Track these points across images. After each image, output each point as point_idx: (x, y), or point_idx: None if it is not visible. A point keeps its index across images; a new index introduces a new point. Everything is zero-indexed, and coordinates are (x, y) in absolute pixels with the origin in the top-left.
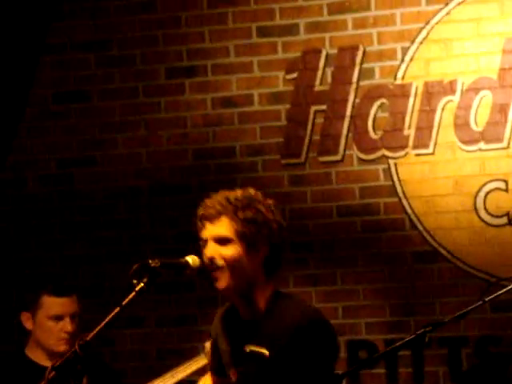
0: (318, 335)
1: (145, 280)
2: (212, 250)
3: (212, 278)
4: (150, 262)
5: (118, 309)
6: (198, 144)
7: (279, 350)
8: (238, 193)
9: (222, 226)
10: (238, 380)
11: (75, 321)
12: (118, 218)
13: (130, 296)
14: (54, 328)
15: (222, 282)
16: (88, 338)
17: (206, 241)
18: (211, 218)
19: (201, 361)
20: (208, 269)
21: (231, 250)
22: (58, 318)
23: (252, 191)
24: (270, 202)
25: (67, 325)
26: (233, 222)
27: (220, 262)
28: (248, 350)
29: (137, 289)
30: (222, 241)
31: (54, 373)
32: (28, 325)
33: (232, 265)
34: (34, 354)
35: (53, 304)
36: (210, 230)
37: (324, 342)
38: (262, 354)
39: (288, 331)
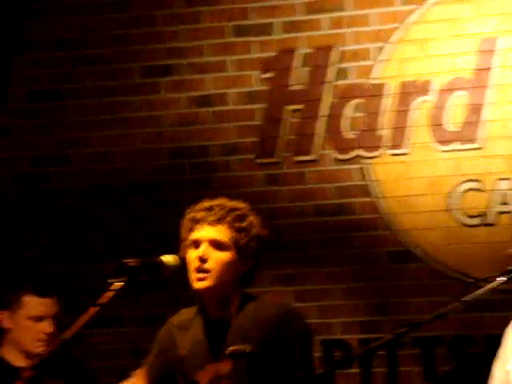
0: (298, 324)
1: (124, 279)
2: (206, 252)
3: (195, 276)
4: (128, 261)
5: (97, 308)
6: (173, 143)
7: (262, 344)
8: (233, 203)
9: (222, 232)
10: (227, 378)
11: (55, 322)
12: (92, 217)
13: (110, 295)
14: (34, 328)
15: (207, 282)
16: (68, 338)
17: (198, 242)
18: (212, 222)
19: None
20: (196, 268)
21: (225, 255)
22: (39, 318)
23: (242, 203)
24: (257, 216)
25: (47, 326)
26: (231, 230)
27: (212, 265)
28: (230, 350)
29: (116, 288)
30: (219, 245)
31: (32, 372)
32: (6, 324)
33: (221, 269)
34: (9, 355)
35: (35, 304)
36: (209, 233)
37: (304, 329)
38: (244, 351)
39: (268, 326)
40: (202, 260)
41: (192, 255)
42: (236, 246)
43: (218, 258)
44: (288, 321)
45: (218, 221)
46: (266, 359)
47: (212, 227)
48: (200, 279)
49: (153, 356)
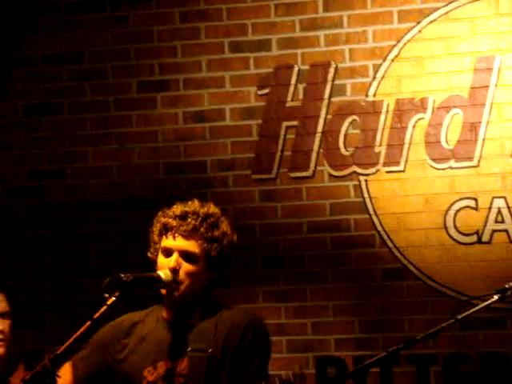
0: (262, 332)
1: (117, 294)
2: (176, 263)
3: (168, 287)
4: (123, 275)
5: (89, 322)
6: (169, 158)
7: (227, 348)
8: (206, 209)
9: (194, 244)
10: (185, 375)
11: (5, 321)
12: (88, 231)
13: (102, 309)
14: None
15: (178, 293)
16: (59, 352)
17: (170, 250)
18: (185, 233)
19: None
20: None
21: (196, 267)
22: None
23: (215, 208)
24: (228, 220)
25: None
26: (203, 241)
27: (182, 276)
28: (190, 348)
29: (109, 302)
30: (190, 257)
31: None
32: None
33: (191, 280)
34: None
35: None
36: (181, 244)
37: (266, 338)
38: (205, 351)
39: (235, 329)
40: (173, 271)
41: (163, 262)
42: (207, 256)
43: (188, 270)
44: (253, 328)
45: (191, 232)
46: (225, 362)
47: (184, 238)
48: (171, 289)
49: (89, 349)
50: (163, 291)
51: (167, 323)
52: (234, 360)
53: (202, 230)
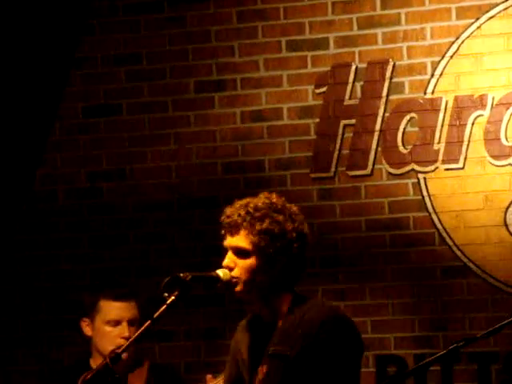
0: (339, 330)
1: (176, 293)
2: (229, 260)
3: (230, 284)
4: (182, 275)
5: (149, 322)
6: (227, 158)
7: (302, 347)
8: (260, 201)
9: (241, 239)
10: (263, 380)
11: (134, 327)
12: (147, 231)
13: (162, 309)
14: (111, 333)
15: (239, 289)
16: (119, 351)
17: (226, 249)
18: (230, 230)
19: None
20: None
21: (248, 263)
22: (116, 323)
23: (274, 198)
24: (293, 209)
25: (125, 330)
26: (250, 235)
27: (237, 272)
28: (271, 350)
29: (168, 302)
30: (241, 252)
31: None
32: (87, 331)
33: (248, 275)
34: (96, 364)
35: (110, 308)
36: (230, 241)
37: (346, 337)
38: (285, 353)
39: (310, 328)
40: (229, 269)
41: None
42: (259, 249)
43: (242, 266)
44: (328, 327)
45: (236, 228)
46: (303, 364)
47: (232, 234)
48: (232, 285)
49: (227, 367)
50: (224, 289)
51: (261, 326)
52: (311, 362)
53: (245, 224)
